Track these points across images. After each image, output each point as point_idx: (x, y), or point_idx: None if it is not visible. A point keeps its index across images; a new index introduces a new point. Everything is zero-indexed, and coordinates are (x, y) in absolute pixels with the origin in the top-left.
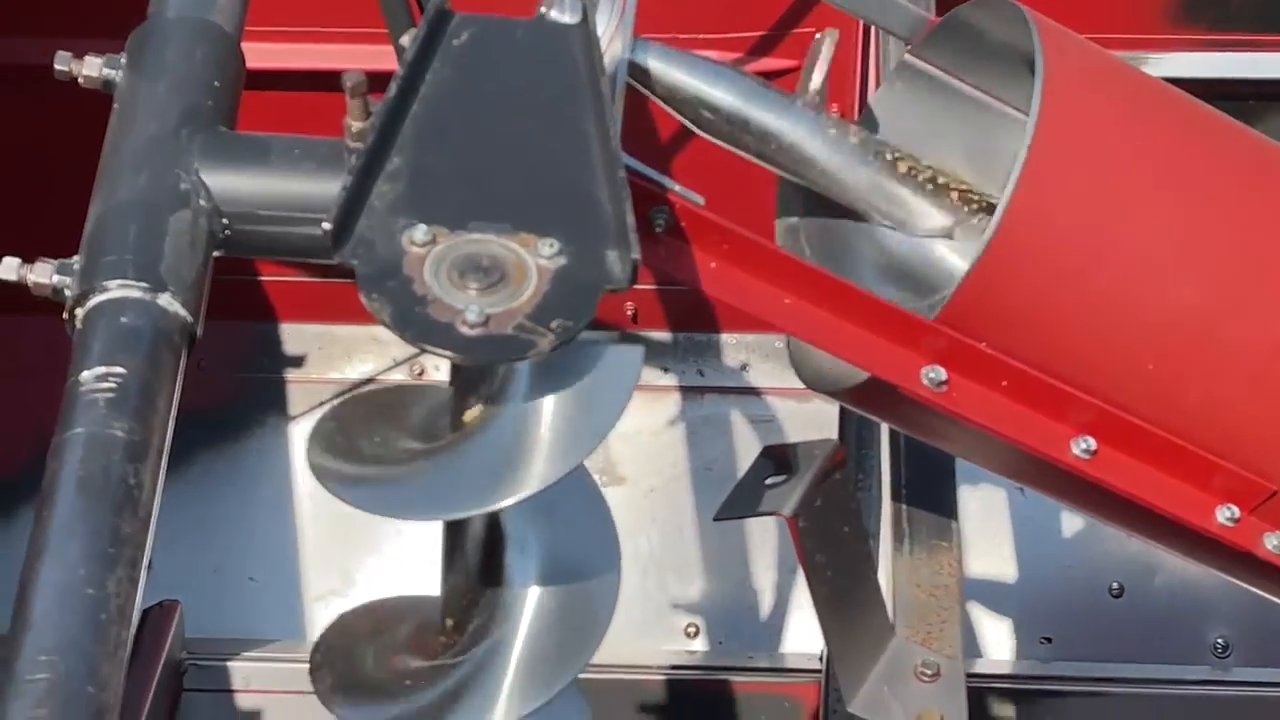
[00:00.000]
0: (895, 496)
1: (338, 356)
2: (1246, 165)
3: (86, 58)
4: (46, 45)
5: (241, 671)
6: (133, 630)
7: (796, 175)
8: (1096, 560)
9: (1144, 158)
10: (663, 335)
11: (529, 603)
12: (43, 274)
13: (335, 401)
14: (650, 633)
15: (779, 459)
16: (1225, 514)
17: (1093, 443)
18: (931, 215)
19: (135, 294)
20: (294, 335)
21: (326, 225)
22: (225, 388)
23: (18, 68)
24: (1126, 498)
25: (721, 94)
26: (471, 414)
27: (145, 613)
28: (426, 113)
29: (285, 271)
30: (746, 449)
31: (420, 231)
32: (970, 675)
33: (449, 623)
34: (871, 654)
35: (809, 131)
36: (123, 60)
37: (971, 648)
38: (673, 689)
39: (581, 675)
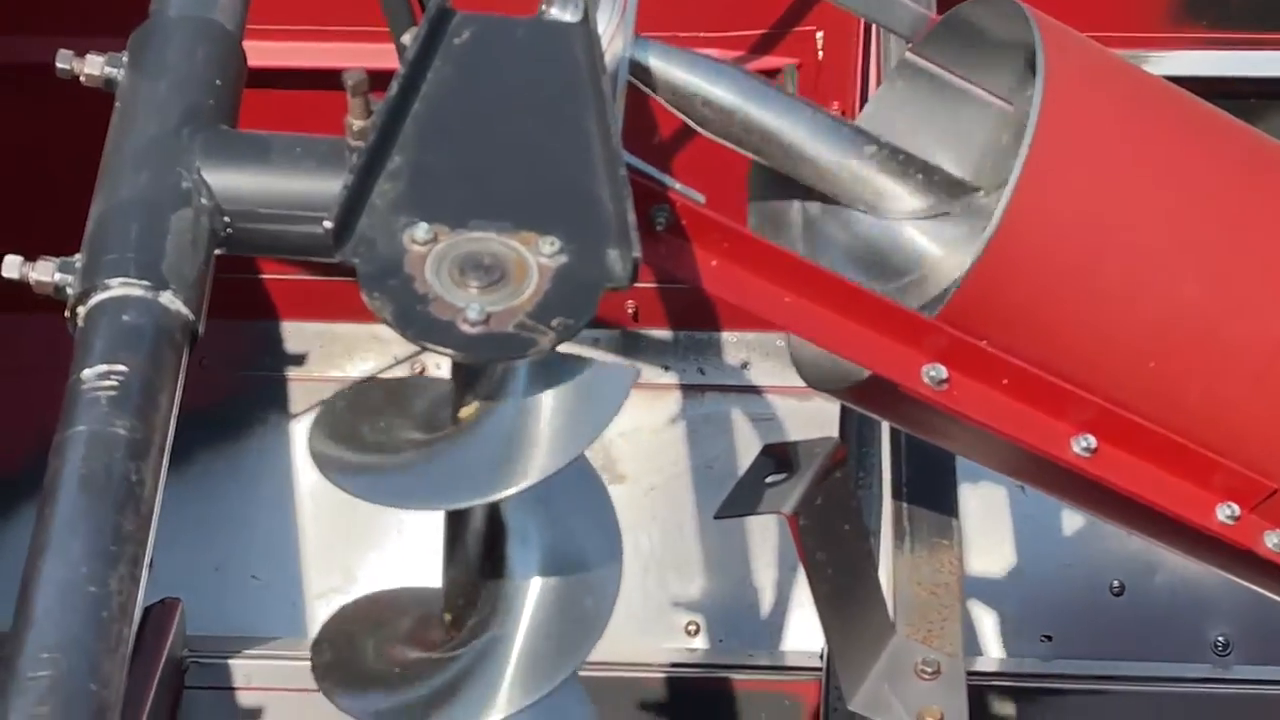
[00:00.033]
0: (896, 494)
1: (339, 354)
2: (1247, 163)
3: (88, 56)
4: (48, 44)
5: (243, 669)
6: (134, 628)
7: (795, 174)
8: (1097, 558)
9: (1145, 156)
10: (663, 333)
11: (530, 595)
12: (44, 272)
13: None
14: (651, 631)
15: (780, 457)
16: (1226, 512)
17: (1093, 441)
18: (902, 198)
19: (137, 292)
20: (295, 333)
21: (328, 224)
22: (227, 386)
23: (20, 66)
24: (1127, 496)
25: (722, 92)
26: (467, 410)
27: (147, 610)
28: (428, 111)
29: (286, 270)
30: (747, 447)
31: (421, 230)
32: (971, 673)
33: (450, 615)
34: (872, 652)
35: (810, 130)
36: (124, 59)
37: (972, 646)
38: (673, 687)
39: (582, 673)
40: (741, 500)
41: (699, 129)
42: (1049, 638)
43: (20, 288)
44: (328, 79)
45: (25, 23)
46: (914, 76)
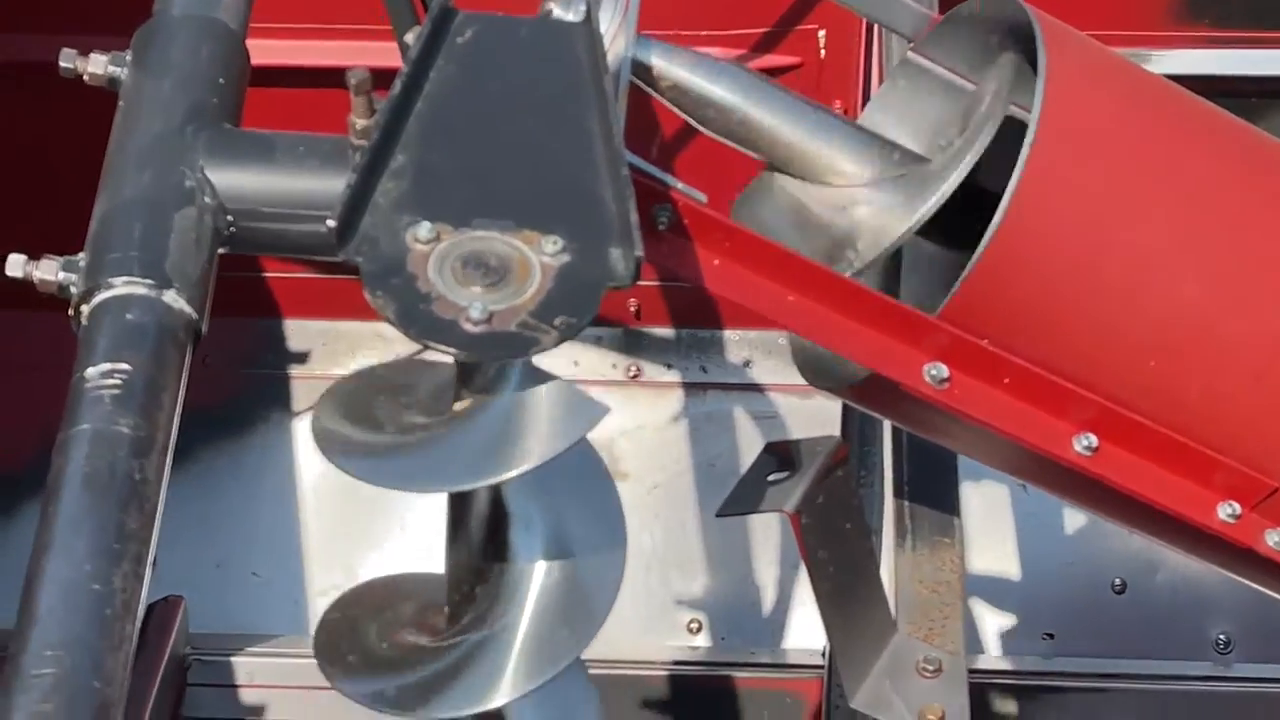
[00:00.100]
0: (898, 493)
1: (342, 352)
2: (1248, 162)
3: (92, 55)
4: (52, 42)
5: (245, 666)
6: (138, 625)
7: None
8: (1098, 556)
9: (1146, 154)
10: (665, 331)
11: (534, 580)
12: (48, 271)
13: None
14: (653, 629)
15: (781, 455)
16: (1226, 511)
17: (1094, 439)
18: (846, 170)
19: (140, 291)
20: (298, 331)
21: (331, 223)
22: (229, 384)
23: (23, 65)
24: (1128, 494)
25: (724, 91)
26: (461, 405)
27: (149, 608)
28: (430, 110)
29: (289, 268)
30: (749, 445)
31: (424, 229)
32: (972, 671)
33: (452, 601)
34: (874, 650)
35: (812, 130)
36: (128, 58)
37: (974, 644)
38: (675, 685)
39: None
40: (743, 498)
41: (701, 128)
42: (1050, 636)
43: (24, 286)
44: (331, 77)
45: (28, 21)
46: (916, 76)
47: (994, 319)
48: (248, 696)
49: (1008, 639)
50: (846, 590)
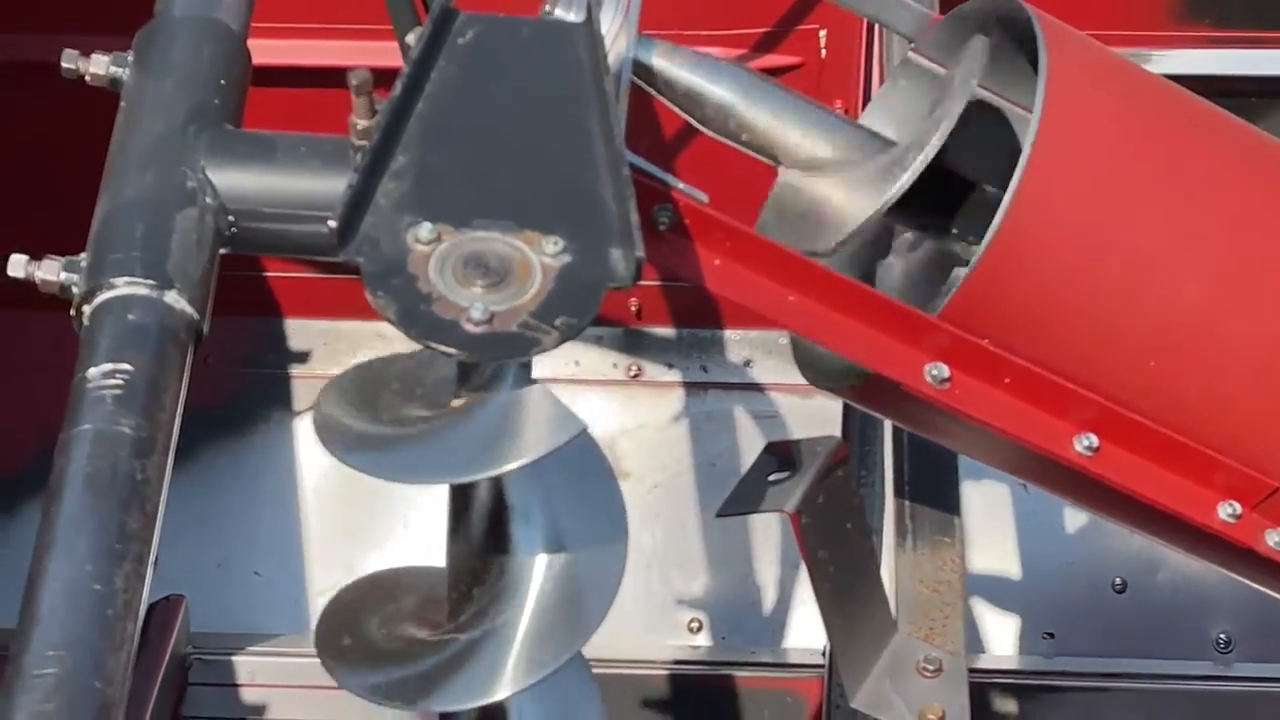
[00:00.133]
0: (898, 492)
1: (343, 352)
2: (1248, 162)
3: (93, 56)
4: (53, 42)
5: (246, 666)
6: (139, 625)
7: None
8: (1099, 556)
9: (1146, 155)
10: (666, 331)
11: (534, 575)
12: (50, 271)
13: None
14: (654, 628)
15: (782, 455)
16: (1227, 510)
17: (1095, 439)
18: (817, 151)
19: (142, 291)
20: (299, 331)
21: (332, 223)
22: (230, 383)
23: (24, 64)
24: (1128, 494)
25: (724, 92)
26: (459, 402)
27: (150, 607)
28: (431, 111)
29: (291, 267)
30: (750, 445)
31: (425, 229)
32: (973, 671)
33: (454, 594)
34: (874, 649)
35: (813, 130)
36: (129, 58)
37: (974, 643)
38: (676, 684)
39: None
40: (744, 498)
41: (701, 128)
42: (1051, 635)
43: (25, 286)
44: (332, 77)
45: (29, 21)
46: (916, 76)
47: (995, 319)
48: (249, 696)
49: (1008, 638)
50: (847, 590)
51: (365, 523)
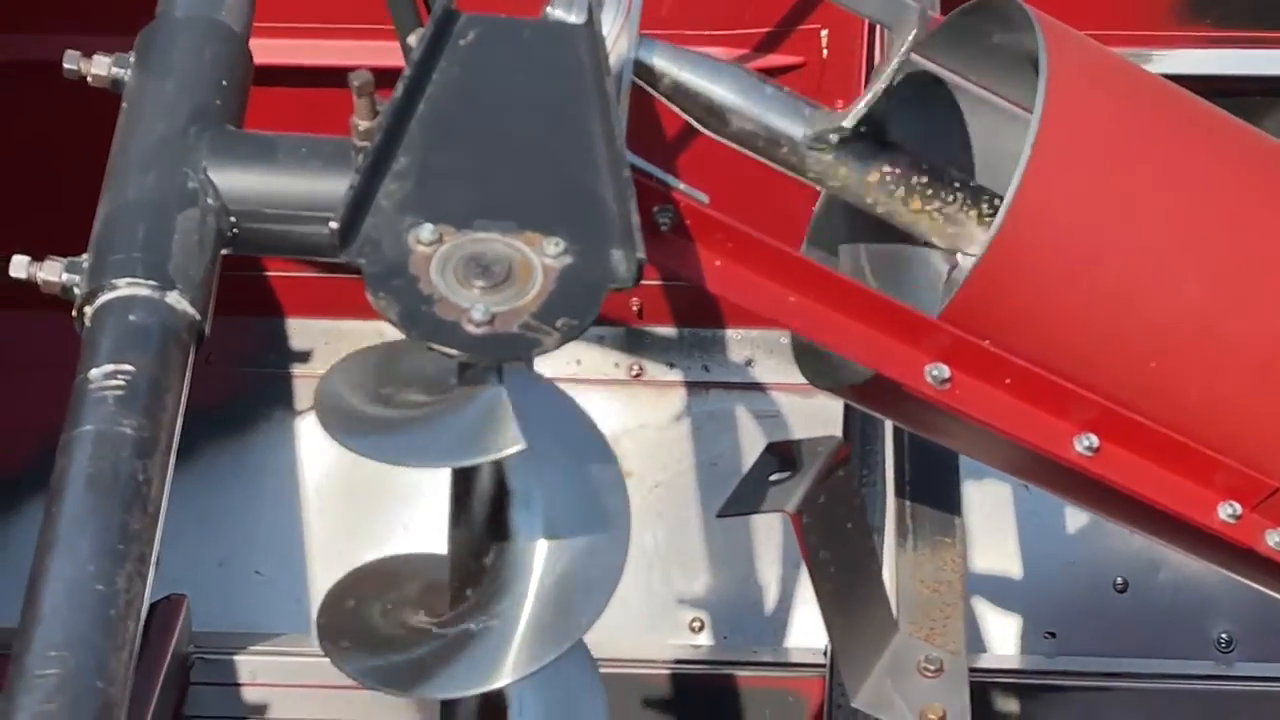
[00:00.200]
0: (899, 492)
1: (344, 351)
2: (1248, 163)
3: (95, 57)
4: (54, 42)
5: (248, 665)
6: (141, 625)
7: (800, 174)
8: (1100, 556)
9: (1146, 156)
10: (668, 330)
11: (535, 563)
12: (52, 272)
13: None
14: (655, 627)
15: (783, 455)
16: (1227, 511)
17: (1095, 440)
18: (975, 235)
19: (144, 292)
20: (300, 330)
21: (334, 224)
22: (232, 382)
23: (25, 65)
24: (1129, 494)
25: (725, 92)
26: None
27: (152, 607)
28: (433, 112)
29: (292, 267)
30: (751, 444)
31: (426, 230)
32: (974, 670)
33: (455, 581)
34: (875, 649)
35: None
36: (131, 59)
37: (975, 643)
38: (677, 684)
39: None
40: (745, 498)
41: (702, 129)
42: (1052, 635)
43: (27, 286)
44: (333, 77)
45: (30, 21)
46: (917, 77)
47: (995, 319)
48: (250, 695)
49: (1009, 638)
50: (848, 590)
51: (367, 522)
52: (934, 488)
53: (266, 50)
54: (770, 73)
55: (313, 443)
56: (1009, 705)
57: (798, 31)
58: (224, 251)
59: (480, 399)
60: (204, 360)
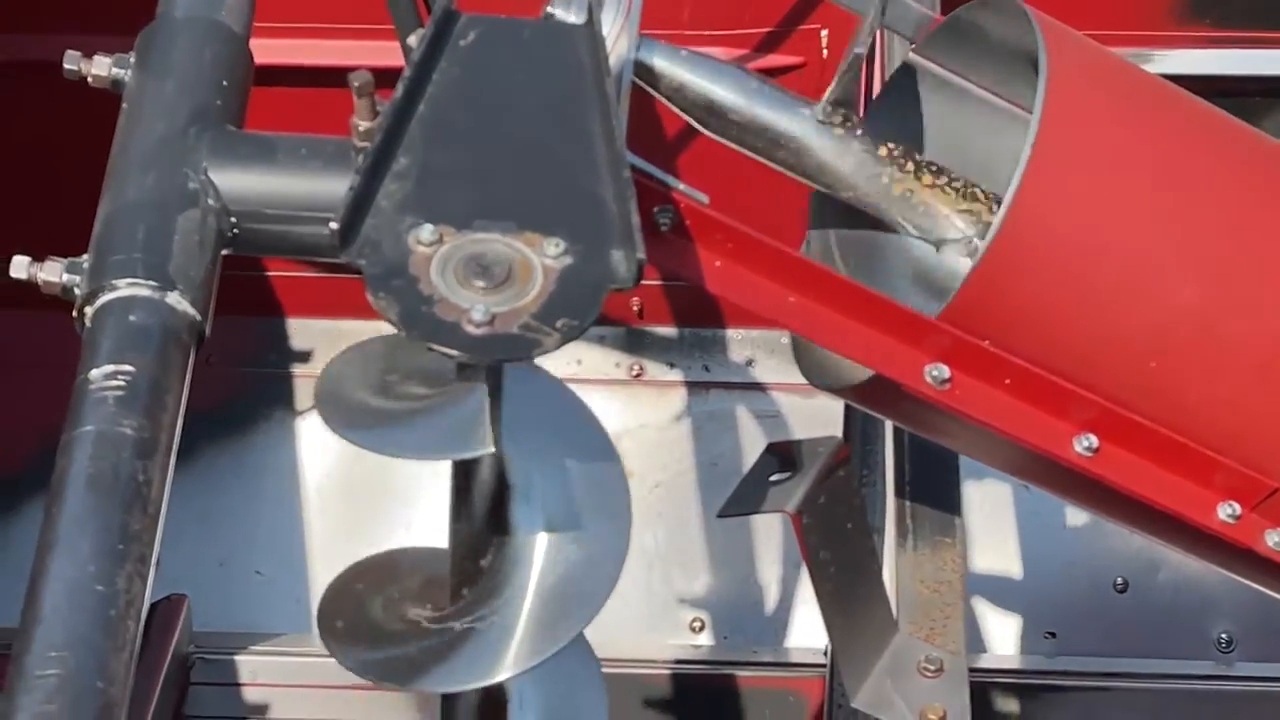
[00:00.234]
0: (899, 492)
1: None
2: (1247, 164)
3: (95, 57)
4: (54, 42)
5: (248, 665)
6: (141, 625)
7: (801, 174)
8: (1100, 556)
9: (1146, 156)
10: (668, 330)
11: (536, 557)
12: (52, 272)
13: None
14: (655, 627)
15: (783, 455)
16: (1226, 511)
17: (1095, 440)
18: (957, 225)
19: (144, 293)
20: (300, 330)
21: (334, 225)
22: (232, 382)
23: (25, 65)
24: (1128, 495)
25: (726, 93)
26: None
27: (153, 607)
28: (433, 113)
29: (292, 267)
30: (752, 444)
31: (427, 231)
32: (974, 670)
33: (455, 576)
34: (875, 649)
35: (813, 131)
36: (131, 60)
37: (976, 643)
38: (678, 683)
39: None
40: (745, 499)
41: (702, 130)
42: (1052, 635)
43: (28, 286)
44: (333, 76)
45: (30, 21)
46: (917, 77)
47: (995, 320)
48: (251, 695)
49: (1010, 638)
50: (848, 590)
51: (367, 522)
52: (934, 488)
53: (266, 50)
54: (770, 73)
55: (313, 443)
56: (1009, 705)
57: (798, 31)
58: (224, 252)
59: (461, 400)
60: (204, 360)
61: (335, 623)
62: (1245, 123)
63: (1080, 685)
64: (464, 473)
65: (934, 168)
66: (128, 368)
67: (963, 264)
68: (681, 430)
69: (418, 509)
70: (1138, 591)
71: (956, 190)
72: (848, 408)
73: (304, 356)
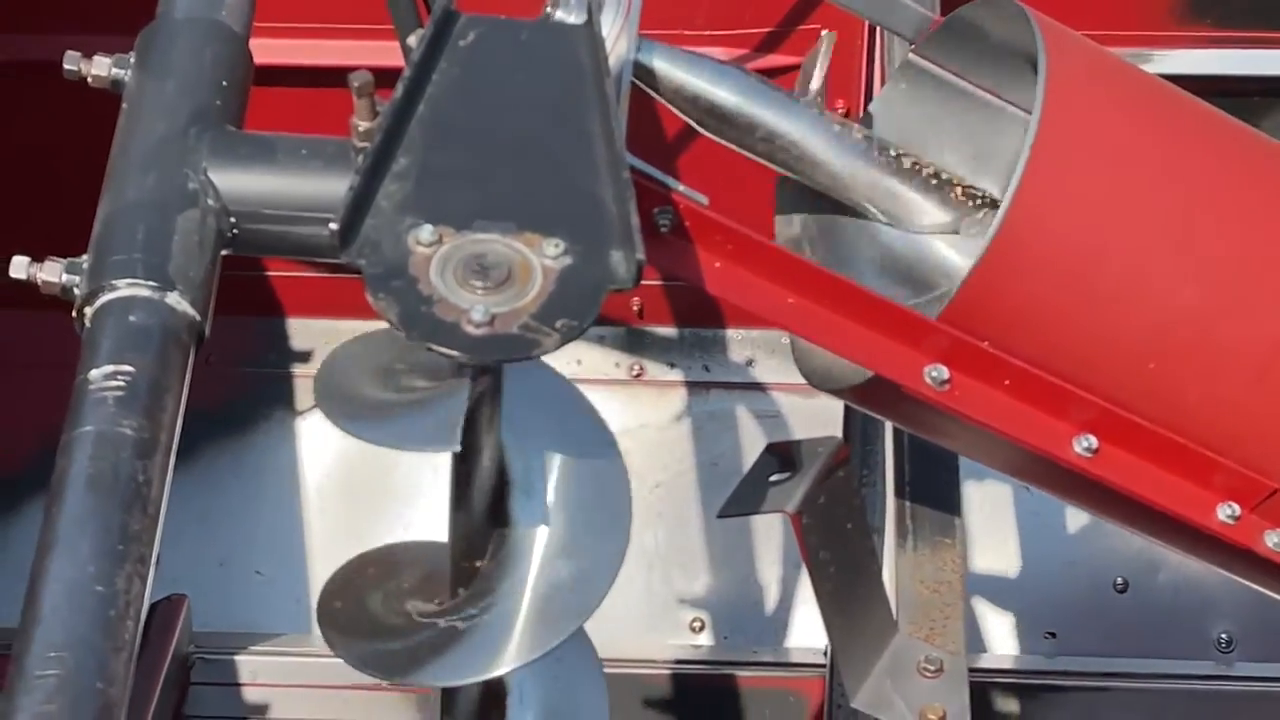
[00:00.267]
0: (899, 492)
1: None
2: (1246, 165)
3: (95, 58)
4: (54, 42)
5: (248, 665)
6: (141, 626)
7: (801, 175)
8: (1100, 556)
9: (1145, 157)
10: (668, 330)
11: (535, 549)
12: (52, 273)
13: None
14: (656, 627)
15: (783, 456)
16: (1226, 512)
17: (1094, 441)
18: (931, 211)
19: (144, 293)
20: (300, 330)
21: (333, 225)
22: (232, 382)
23: (25, 65)
24: (1128, 495)
25: (725, 94)
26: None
27: (153, 607)
28: (433, 113)
29: (292, 267)
30: (752, 444)
31: (426, 231)
32: (974, 670)
33: (455, 570)
34: (875, 649)
35: (813, 131)
36: (131, 60)
37: (976, 643)
38: (678, 683)
39: None
40: (745, 499)
41: (702, 131)
42: (1052, 635)
43: (26, 286)
44: (333, 76)
45: (30, 21)
46: (917, 78)
47: (994, 321)
48: (251, 695)
49: (1010, 638)
50: (847, 590)
51: (367, 522)
52: (934, 488)
53: (266, 50)
54: (770, 73)
55: (313, 443)
56: (1009, 705)
57: (798, 31)
58: (224, 252)
59: (443, 398)
60: (204, 360)
61: (335, 616)
62: (1245, 123)
63: (1080, 685)
64: (464, 466)
65: (921, 163)
66: (127, 368)
67: (935, 249)
68: (682, 430)
69: (418, 509)
70: (1138, 591)
71: (939, 180)
72: (847, 408)
73: (304, 356)
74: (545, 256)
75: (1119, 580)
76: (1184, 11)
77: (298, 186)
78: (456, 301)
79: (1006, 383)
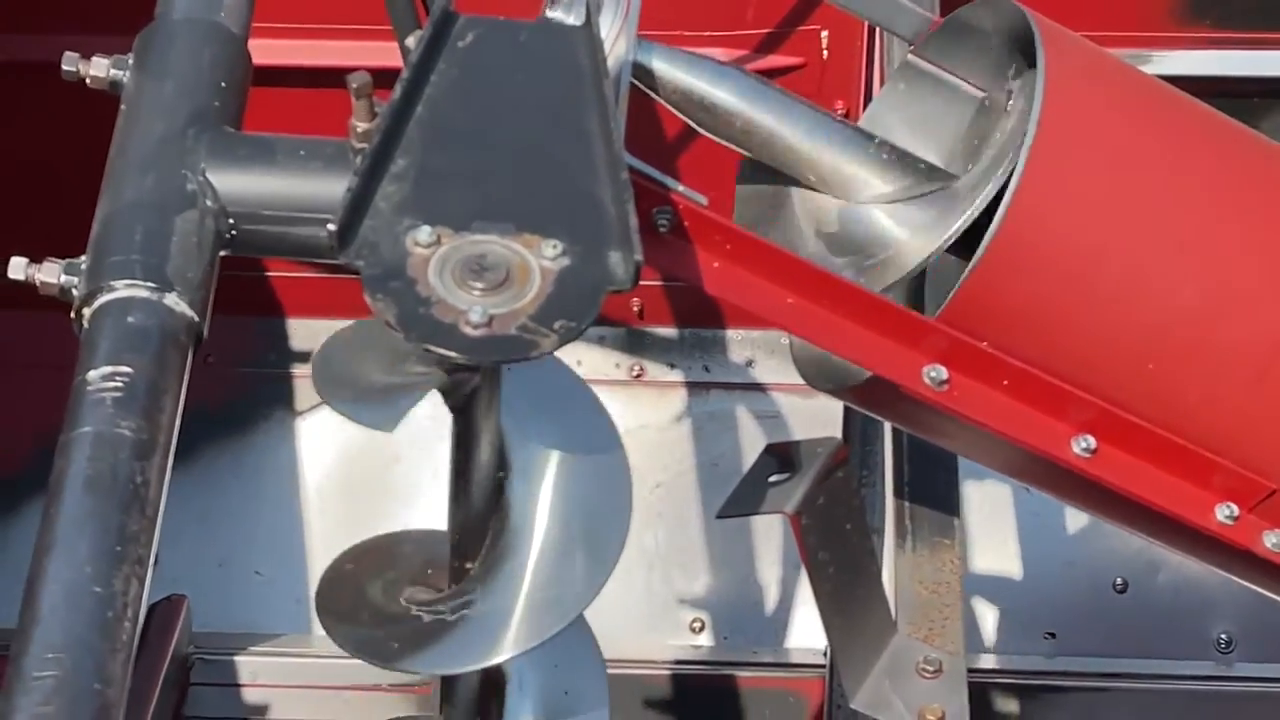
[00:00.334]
0: (898, 493)
1: None
2: (1246, 166)
3: (94, 59)
4: (54, 42)
5: (248, 665)
6: (139, 627)
7: (801, 176)
8: (1100, 556)
9: (1144, 157)
10: (668, 331)
11: (534, 538)
12: (50, 274)
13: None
14: (656, 628)
15: (782, 456)
16: (1225, 512)
17: (1093, 441)
18: (870, 182)
19: (142, 294)
20: (300, 330)
21: (332, 226)
22: (231, 382)
23: (24, 65)
24: (1127, 496)
25: (725, 95)
26: None
27: (152, 608)
28: (431, 114)
29: (292, 267)
30: (752, 445)
31: (424, 233)
32: (973, 671)
33: (455, 558)
34: (874, 650)
35: (812, 134)
36: (130, 61)
37: (975, 644)
38: (678, 684)
39: None
40: (744, 500)
41: (702, 131)
42: (1052, 635)
43: (25, 287)
44: (332, 77)
45: (30, 21)
46: (916, 78)
47: (993, 321)
48: (251, 696)
49: (1009, 638)
50: (846, 591)
51: (367, 522)
52: (933, 489)
53: (266, 50)
54: (770, 73)
55: (313, 443)
56: (1008, 706)
57: (798, 32)
58: (222, 253)
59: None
60: (204, 360)
61: (334, 604)
62: (1245, 124)
63: (1080, 686)
64: (464, 454)
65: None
66: (125, 369)
67: (875, 218)
68: (682, 431)
69: (418, 509)
70: (1137, 592)
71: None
72: (847, 409)
73: (304, 356)
74: (543, 257)
75: (1118, 581)
76: (1184, 12)
77: (296, 187)
78: (455, 302)
79: (1005, 383)
